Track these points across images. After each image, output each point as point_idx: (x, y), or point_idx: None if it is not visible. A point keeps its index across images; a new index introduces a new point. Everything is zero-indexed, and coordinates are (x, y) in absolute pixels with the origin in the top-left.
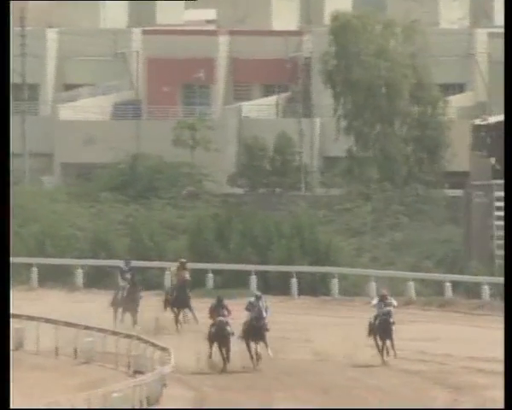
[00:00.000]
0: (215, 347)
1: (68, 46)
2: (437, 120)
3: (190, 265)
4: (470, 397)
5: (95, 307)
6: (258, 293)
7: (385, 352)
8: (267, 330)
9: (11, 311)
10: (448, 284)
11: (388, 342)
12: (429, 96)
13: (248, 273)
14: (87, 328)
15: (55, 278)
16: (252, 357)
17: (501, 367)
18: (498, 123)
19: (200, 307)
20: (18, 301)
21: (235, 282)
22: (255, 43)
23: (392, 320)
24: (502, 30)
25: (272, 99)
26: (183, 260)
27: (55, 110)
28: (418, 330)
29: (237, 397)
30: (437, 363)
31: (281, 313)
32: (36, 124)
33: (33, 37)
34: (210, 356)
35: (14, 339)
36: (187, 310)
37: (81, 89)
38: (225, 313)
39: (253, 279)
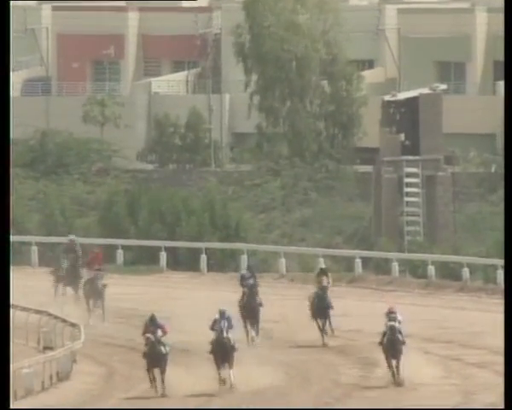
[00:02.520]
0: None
1: None
2: (350, 96)
3: (100, 241)
4: (379, 373)
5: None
6: (223, 309)
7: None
8: (233, 349)
9: None
10: (358, 261)
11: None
12: (341, 71)
13: (158, 249)
14: None
15: None
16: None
17: (409, 342)
18: (408, 99)
19: (111, 282)
20: None
21: (146, 258)
22: (165, 19)
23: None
24: (411, 6)
25: (182, 75)
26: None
27: None
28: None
29: (144, 374)
30: (346, 339)
31: (190, 290)
32: None
33: None
34: (152, 381)
35: None
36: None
37: None
38: (158, 330)
39: (163, 255)
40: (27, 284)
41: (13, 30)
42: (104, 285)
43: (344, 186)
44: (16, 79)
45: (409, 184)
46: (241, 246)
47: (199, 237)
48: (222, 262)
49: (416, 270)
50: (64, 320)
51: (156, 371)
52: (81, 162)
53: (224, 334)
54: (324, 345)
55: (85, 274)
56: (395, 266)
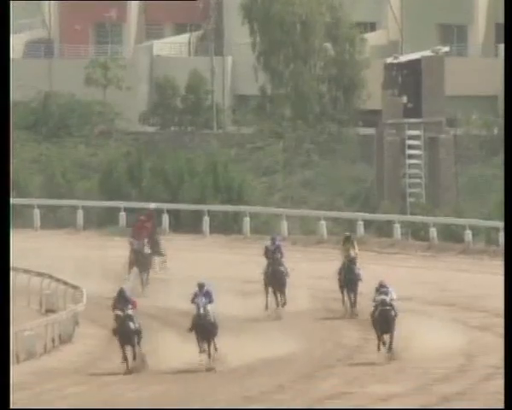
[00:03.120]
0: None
1: None
2: (352, 59)
3: (103, 203)
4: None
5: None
6: (202, 282)
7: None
8: (212, 325)
9: None
10: (360, 223)
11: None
12: (345, 34)
13: (161, 211)
14: None
15: None
16: (209, 355)
17: (412, 305)
18: (410, 62)
19: (113, 244)
20: None
21: None
22: None
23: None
24: None
25: (184, 38)
26: None
27: None
28: (330, 269)
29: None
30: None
31: (192, 251)
32: None
33: None
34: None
35: None
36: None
37: None
38: (128, 305)
39: (165, 218)
40: (31, 247)
41: None
42: (150, 254)
43: (346, 149)
44: (18, 41)
45: (411, 147)
46: (244, 209)
47: (201, 200)
48: (224, 225)
49: (418, 232)
50: (66, 283)
51: (128, 348)
52: (83, 125)
53: (201, 310)
54: (352, 316)
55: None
56: (397, 229)
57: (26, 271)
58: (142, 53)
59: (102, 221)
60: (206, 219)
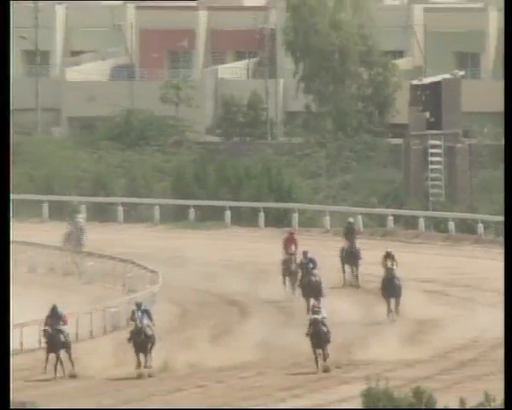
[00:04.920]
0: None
1: (74, 19)
2: (385, 81)
3: (175, 201)
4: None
5: (98, 236)
6: (139, 301)
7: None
8: (149, 338)
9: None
10: (390, 218)
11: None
12: (377, 60)
13: (223, 209)
14: (89, 254)
15: (62, 212)
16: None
17: (432, 285)
18: (432, 83)
19: (180, 235)
20: (31, 231)
21: (213, 216)
22: (229, 16)
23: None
24: (435, 5)
25: (244, 63)
26: None
27: (62, 72)
28: (365, 256)
29: (214, 311)
30: (378, 282)
31: (250, 242)
32: (47, 84)
33: (45, 11)
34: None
35: (29, 263)
36: None
37: (84, 55)
38: (60, 322)
39: (228, 214)
40: (117, 238)
41: (102, 26)
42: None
43: (379, 156)
44: (105, 67)
45: (433, 154)
46: (293, 205)
47: (258, 198)
48: (277, 219)
49: (438, 225)
50: (145, 268)
51: (59, 355)
52: (159, 136)
53: (138, 325)
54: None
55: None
56: (421, 222)
57: (111, 257)
58: (209, 76)
59: (175, 217)
60: (262, 214)
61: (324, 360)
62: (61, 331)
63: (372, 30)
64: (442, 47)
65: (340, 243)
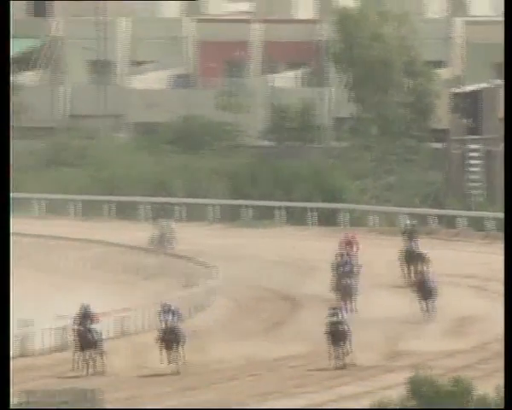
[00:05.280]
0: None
1: (136, 31)
2: (427, 90)
3: (230, 202)
4: (441, 302)
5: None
6: (167, 303)
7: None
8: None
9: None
10: (431, 217)
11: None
12: (420, 70)
13: (276, 208)
14: (149, 251)
15: (124, 211)
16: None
17: (471, 281)
18: (471, 91)
19: (235, 233)
20: (100, 229)
21: (266, 215)
22: (282, 29)
23: None
24: (475, 18)
25: (295, 73)
26: None
27: (125, 81)
28: None
29: (268, 306)
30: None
31: (301, 240)
32: (111, 92)
33: (110, 24)
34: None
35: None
36: None
37: (146, 65)
38: (90, 321)
39: (280, 213)
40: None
41: (162, 37)
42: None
43: (421, 159)
44: (164, 76)
45: (472, 158)
46: (341, 206)
47: (308, 199)
48: (326, 219)
49: (477, 224)
50: (203, 264)
51: (87, 353)
52: (216, 140)
53: (163, 325)
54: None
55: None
56: (461, 222)
57: (170, 254)
58: (262, 84)
59: (231, 216)
60: (313, 214)
61: (343, 357)
62: (90, 330)
63: (414, 42)
64: (480, 58)
65: (387, 240)
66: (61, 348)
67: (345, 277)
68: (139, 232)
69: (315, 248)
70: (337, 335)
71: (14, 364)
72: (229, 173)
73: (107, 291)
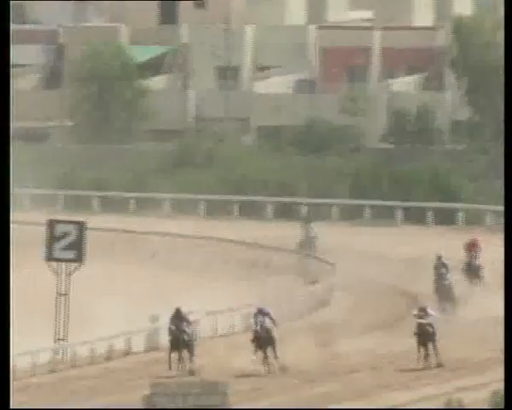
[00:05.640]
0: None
1: (261, 38)
2: None
3: (351, 201)
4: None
5: (282, 232)
6: (261, 306)
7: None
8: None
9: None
10: None
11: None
12: None
13: (395, 208)
14: (276, 249)
15: (251, 210)
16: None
17: None
18: None
19: (356, 232)
20: (226, 228)
21: (386, 214)
22: (401, 36)
23: None
24: None
25: (413, 78)
26: None
27: (251, 86)
28: None
29: (386, 301)
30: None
31: (419, 238)
32: (237, 96)
33: (236, 32)
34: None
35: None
36: None
37: (271, 70)
38: (184, 323)
39: (399, 213)
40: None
41: (286, 44)
42: (479, 266)
43: None
44: (289, 81)
45: None
46: (459, 205)
47: (426, 199)
48: (444, 218)
49: None
50: (324, 261)
51: (181, 353)
52: (338, 143)
53: (258, 327)
54: None
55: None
56: None
57: (292, 251)
58: (382, 89)
59: (351, 215)
60: (430, 213)
61: (428, 357)
62: (184, 331)
63: None
64: None
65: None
66: None
67: (444, 279)
68: (264, 231)
69: (434, 247)
70: (423, 336)
71: (144, 357)
72: (350, 174)
73: (236, 287)
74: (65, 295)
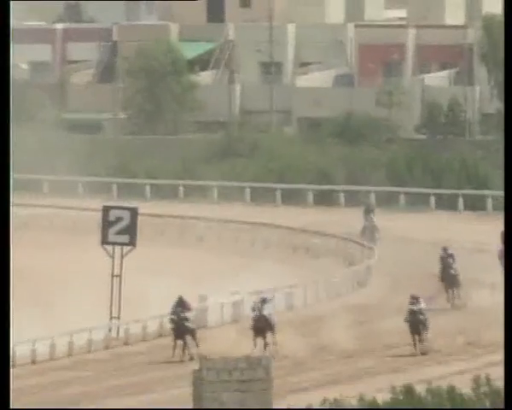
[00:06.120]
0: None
1: (302, 36)
2: None
3: (387, 188)
4: None
5: (322, 218)
6: (264, 296)
7: None
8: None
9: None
10: None
11: None
12: None
13: (428, 195)
14: (315, 233)
15: (292, 198)
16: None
17: None
18: None
19: (392, 217)
20: (269, 214)
21: (419, 201)
22: (434, 33)
23: None
24: None
25: (446, 73)
26: None
27: (293, 80)
28: None
29: (419, 283)
30: None
31: (450, 223)
32: (280, 90)
33: (279, 29)
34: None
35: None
36: None
37: (311, 65)
38: (185, 310)
39: (432, 199)
40: (336, 219)
41: (326, 41)
42: None
43: None
44: (329, 76)
45: None
46: (487, 192)
47: (457, 186)
48: (474, 204)
49: None
50: (362, 244)
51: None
52: (375, 134)
53: (258, 313)
54: None
55: None
56: None
57: (333, 235)
58: (416, 83)
59: (388, 202)
60: (461, 200)
61: (421, 343)
62: (186, 319)
63: None
64: None
65: None
66: (231, 321)
67: (450, 268)
68: (305, 217)
69: (463, 231)
70: (415, 324)
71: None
72: (386, 164)
73: (279, 269)
74: (118, 276)
